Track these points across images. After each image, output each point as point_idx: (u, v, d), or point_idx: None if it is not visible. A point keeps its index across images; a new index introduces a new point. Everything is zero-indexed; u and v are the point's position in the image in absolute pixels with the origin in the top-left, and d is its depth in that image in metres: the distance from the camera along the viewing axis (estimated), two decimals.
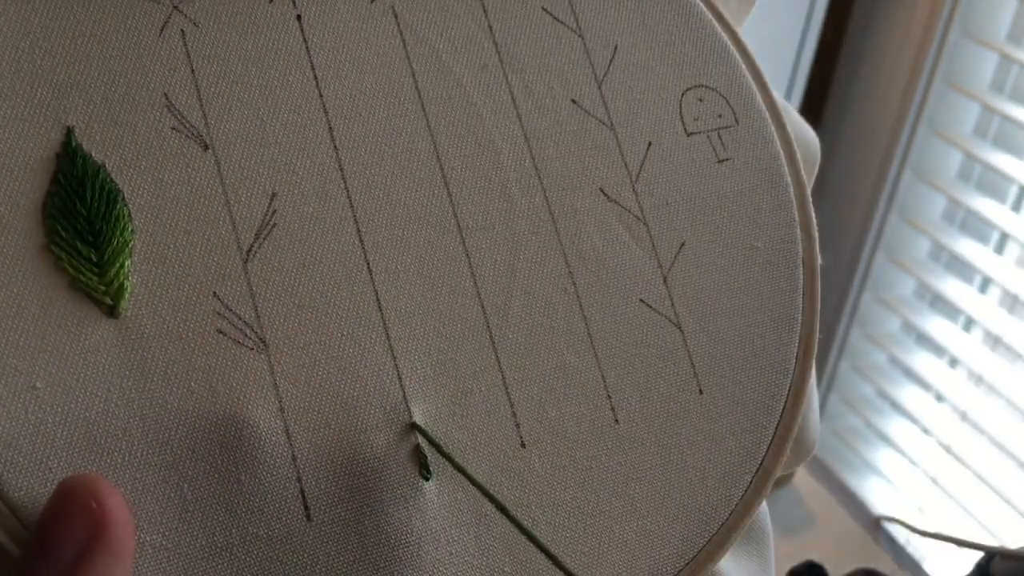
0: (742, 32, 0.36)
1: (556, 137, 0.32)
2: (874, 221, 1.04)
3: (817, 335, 0.34)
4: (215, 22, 0.29)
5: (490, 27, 0.32)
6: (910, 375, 1.11)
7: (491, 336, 0.30)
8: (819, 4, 0.96)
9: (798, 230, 0.34)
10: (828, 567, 0.84)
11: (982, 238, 1.00)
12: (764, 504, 0.33)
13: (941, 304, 1.07)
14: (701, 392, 0.32)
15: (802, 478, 1.18)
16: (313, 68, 0.30)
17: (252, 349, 0.27)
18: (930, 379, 1.06)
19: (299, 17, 0.30)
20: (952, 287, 1.02)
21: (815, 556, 0.84)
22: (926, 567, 1.06)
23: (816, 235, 0.35)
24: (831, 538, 1.12)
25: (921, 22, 0.94)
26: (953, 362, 1.07)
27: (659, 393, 0.31)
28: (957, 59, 0.95)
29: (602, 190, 0.32)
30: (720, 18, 0.36)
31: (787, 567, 0.86)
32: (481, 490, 0.27)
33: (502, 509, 0.27)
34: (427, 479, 0.28)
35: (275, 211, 0.29)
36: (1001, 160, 0.93)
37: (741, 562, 0.32)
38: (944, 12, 0.91)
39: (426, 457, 0.28)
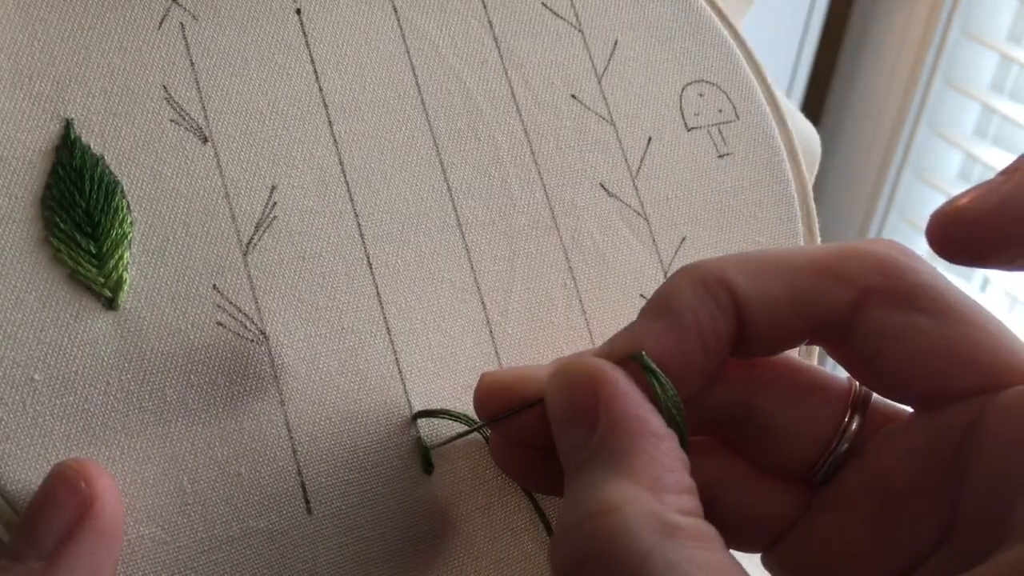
0: (742, 31, 0.36)
1: (556, 132, 0.32)
2: (874, 221, 1.04)
3: None
4: (214, 15, 0.29)
5: (490, 22, 0.32)
6: None
7: (491, 331, 0.30)
8: (819, 4, 0.96)
9: (800, 225, 0.34)
10: None
11: None
12: None
13: None
14: None
15: None
16: (313, 62, 0.30)
17: (252, 341, 0.27)
18: None
19: (299, 11, 0.30)
20: None
21: None
22: None
23: (817, 230, 0.35)
24: None
25: (921, 22, 0.94)
26: None
27: None
28: (957, 59, 0.95)
29: (602, 185, 0.32)
30: (720, 14, 0.36)
31: None
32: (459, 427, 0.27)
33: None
34: (429, 473, 0.28)
35: (275, 203, 0.28)
36: (1001, 160, 0.93)
37: (747, 556, 0.32)
38: (944, 12, 0.91)
39: (428, 450, 0.28)
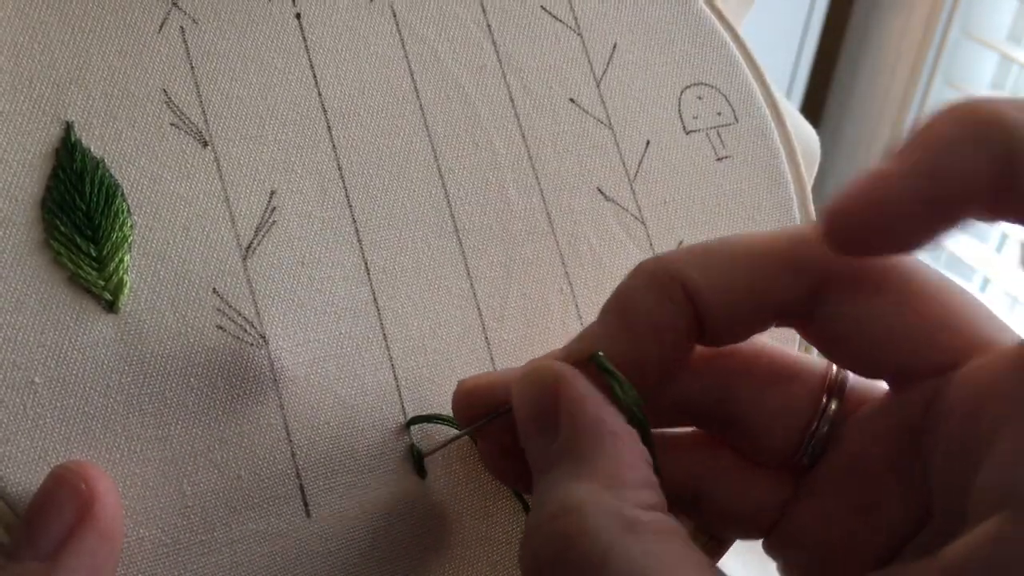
0: (742, 32, 0.36)
1: (554, 136, 0.32)
2: None
3: None
4: (214, 19, 0.29)
5: (489, 26, 0.33)
6: None
7: (486, 336, 0.30)
8: (819, 4, 0.96)
9: None
10: None
11: (982, 238, 1.00)
12: None
13: None
14: None
15: None
16: (312, 67, 0.30)
17: (252, 345, 0.27)
18: None
19: (298, 16, 0.30)
20: None
21: None
22: None
23: None
24: None
25: (921, 22, 0.94)
26: None
27: None
28: (957, 59, 0.95)
29: (600, 189, 0.32)
30: (720, 16, 0.36)
31: None
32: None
33: None
34: (423, 477, 0.28)
35: (274, 208, 0.29)
36: None
37: (745, 557, 0.32)
38: (944, 12, 0.91)
39: (420, 455, 0.28)
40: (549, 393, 0.23)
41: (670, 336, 0.23)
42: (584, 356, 0.23)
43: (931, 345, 0.22)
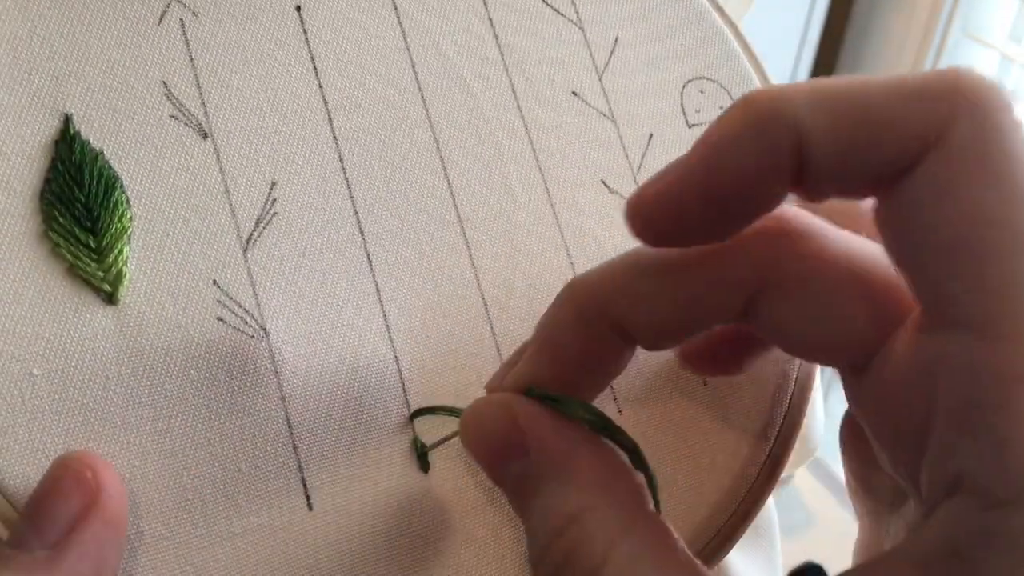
0: (742, 31, 0.36)
1: (557, 129, 0.32)
2: None
3: None
4: (214, 12, 0.29)
5: (490, 19, 0.32)
6: None
7: (492, 328, 0.30)
8: (819, 4, 0.96)
9: None
10: (828, 567, 0.84)
11: None
12: (771, 499, 0.33)
13: None
14: (705, 383, 0.31)
15: (802, 478, 1.17)
16: (312, 59, 0.30)
17: (253, 337, 0.27)
18: None
19: (298, 7, 0.30)
20: None
21: (815, 556, 0.84)
22: None
23: None
24: (831, 538, 1.12)
25: (921, 22, 0.94)
26: None
27: (662, 383, 0.31)
28: (957, 59, 0.95)
29: (603, 182, 0.32)
30: (720, 11, 0.36)
31: (787, 567, 0.86)
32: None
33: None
34: (426, 471, 0.28)
35: (275, 200, 0.28)
36: None
37: (749, 555, 0.32)
38: (944, 12, 0.91)
39: (424, 449, 0.28)
40: (506, 421, 0.23)
41: (598, 366, 0.24)
42: (519, 391, 0.24)
43: (863, 334, 0.22)
